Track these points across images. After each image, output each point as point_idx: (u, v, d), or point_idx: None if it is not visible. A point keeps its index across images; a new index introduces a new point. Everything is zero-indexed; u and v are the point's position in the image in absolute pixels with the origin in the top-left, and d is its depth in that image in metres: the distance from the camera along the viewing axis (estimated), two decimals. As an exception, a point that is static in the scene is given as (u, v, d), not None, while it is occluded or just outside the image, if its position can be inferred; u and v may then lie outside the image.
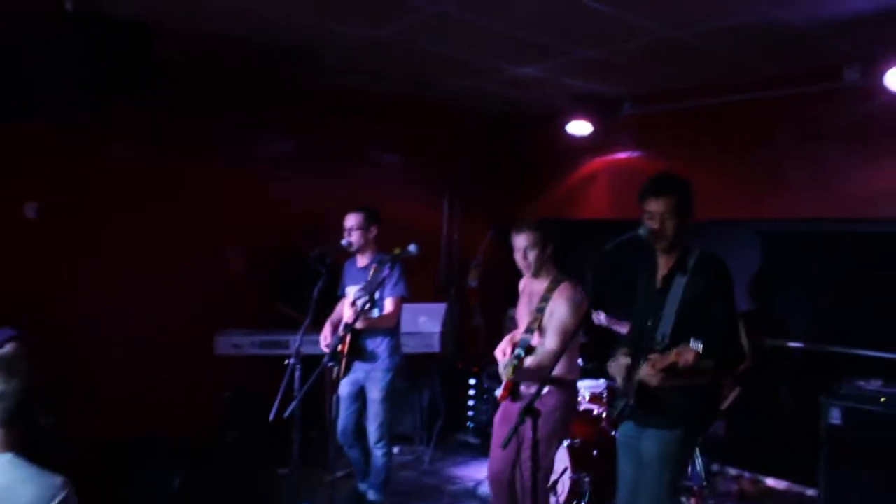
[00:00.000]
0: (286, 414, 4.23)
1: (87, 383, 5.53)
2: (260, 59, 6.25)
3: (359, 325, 4.90)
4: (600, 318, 5.90)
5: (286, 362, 4.71)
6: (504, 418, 4.39)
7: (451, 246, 8.21)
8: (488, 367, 6.87)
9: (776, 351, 6.14)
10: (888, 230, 5.77)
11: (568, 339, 4.05)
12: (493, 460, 4.41)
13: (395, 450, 6.66)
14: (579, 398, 5.76)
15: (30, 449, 2.33)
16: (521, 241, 4.29)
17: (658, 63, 5.97)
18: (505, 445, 3.37)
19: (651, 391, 3.39)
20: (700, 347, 3.03)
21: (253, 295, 6.68)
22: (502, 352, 4.29)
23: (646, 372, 3.30)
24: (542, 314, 4.21)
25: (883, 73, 5.29)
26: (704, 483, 5.36)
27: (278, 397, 4.41)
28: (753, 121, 6.42)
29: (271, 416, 4.36)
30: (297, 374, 4.79)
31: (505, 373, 4.05)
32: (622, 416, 3.62)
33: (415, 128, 7.75)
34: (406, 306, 6.21)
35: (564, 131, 7.22)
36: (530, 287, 4.45)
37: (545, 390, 4.13)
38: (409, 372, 6.48)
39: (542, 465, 4.05)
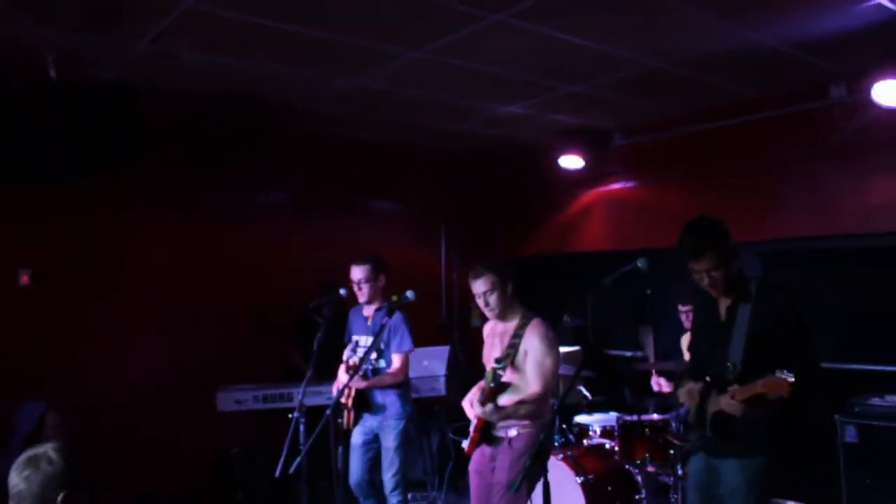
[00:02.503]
0: (291, 469, 4.16)
1: (89, 448, 5.47)
2: (245, 115, 6.31)
3: (360, 384, 4.89)
4: (660, 382, 5.76)
5: (290, 416, 4.66)
6: (478, 467, 4.28)
7: (451, 287, 8.19)
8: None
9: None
10: (886, 244, 5.74)
11: (551, 382, 4.06)
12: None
13: (409, 495, 6.57)
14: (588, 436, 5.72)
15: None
16: (478, 286, 4.19)
17: (645, 93, 6.01)
18: (516, 489, 3.30)
19: (727, 421, 3.33)
20: (791, 378, 2.98)
21: (255, 350, 6.62)
22: (470, 402, 4.19)
23: (727, 403, 3.24)
24: (515, 350, 4.10)
25: (869, 87, 5.30)
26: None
27: (284, 452, 4.34)
28: (745, 144, 6.42)
29: (278, 472, 4.28)
30: (301, 427, 4.74)
31: (479, 409, 3.98)
32: (696, 447, 3.58)
33: (407, 172, 7.79)
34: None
35: (557, 166, 7.23)
36: (498, 328, 4.34)
37: (514, 433, 4.08)
38: (418, 416, 6.42)
39: None
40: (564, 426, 5.96)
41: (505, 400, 4.05)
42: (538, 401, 4.06)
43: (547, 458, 3.59)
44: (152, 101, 5.29)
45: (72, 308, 5.87)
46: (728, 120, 6.41)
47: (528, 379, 4.08)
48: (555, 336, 4.17)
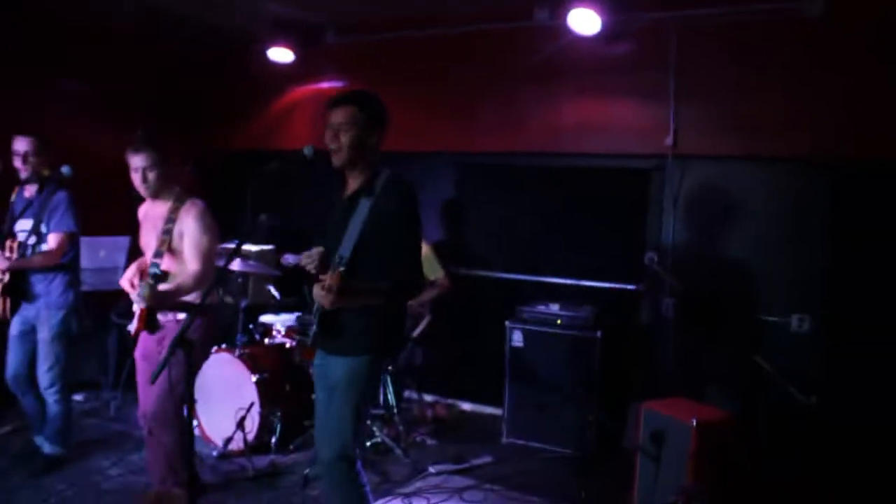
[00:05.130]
0: None
1: None
2: None
3: (4, 265, 4.44)
4: (287, 259, 5.73)
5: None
6: (145, 353, 4.12)
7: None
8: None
9: (469, 279, 6.36)
10: (569, 164, 6.12)
11: (210, 259, 3.93)
12: (142, 398, 4.12)
13: (80, 397, 6.16)
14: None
15: None
16: (137, 161, 3.98)
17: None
18: (154, 380, 3.08)
19: (332, 316, 3.28)
20: (341, 269, 3.00)
21: None
22: (129, 281, 3.91)
23: (317, 293, 3.12)
24: (171, 236, 3.95)
25: (567, 14, 5.51)
26: (395, 410, 5.44)
27: None
28: (452, 55, 6.48)
29: None
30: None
31: (140, 300, 3.70)
32: (314, 343, 3.46)
33: (103, 54, 7.02)
34: (85, 240, 5.67)
35: (266, 59, 6.88)
36: (152, 211, 4.15)
37: (178, 318, 3.93)
38: (93, 311, 5.97)
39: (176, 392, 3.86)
40: (251, 326, 5.83)
41: (165, 287, 3.83)
42: (198, 281, 3.88)
43: (196, 347, 3.49)
44: None
45: None
46: (439, 29, 6.42)
47: (186, 259, 3.94)
48: (212, 218, 4.05)
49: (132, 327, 3.84)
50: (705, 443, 3.94)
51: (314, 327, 3.37)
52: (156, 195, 4.05)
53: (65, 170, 4.13)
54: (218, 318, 4.41)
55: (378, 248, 3.24)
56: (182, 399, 3.96)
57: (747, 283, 5.41)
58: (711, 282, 5.54)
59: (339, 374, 3.34)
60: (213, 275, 3.98)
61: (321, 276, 3.16)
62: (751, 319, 5.37)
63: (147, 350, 4.08)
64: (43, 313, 4.67)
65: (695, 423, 3.92)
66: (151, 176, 3.97)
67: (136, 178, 4.00)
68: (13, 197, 4.86)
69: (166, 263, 3.90)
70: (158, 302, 3.75)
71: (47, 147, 4.67)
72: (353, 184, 3.40)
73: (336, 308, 3.18)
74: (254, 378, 5.06)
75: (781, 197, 5.34)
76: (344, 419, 3.30)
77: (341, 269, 3.14)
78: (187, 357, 3.11)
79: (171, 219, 3.95)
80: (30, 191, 4.72)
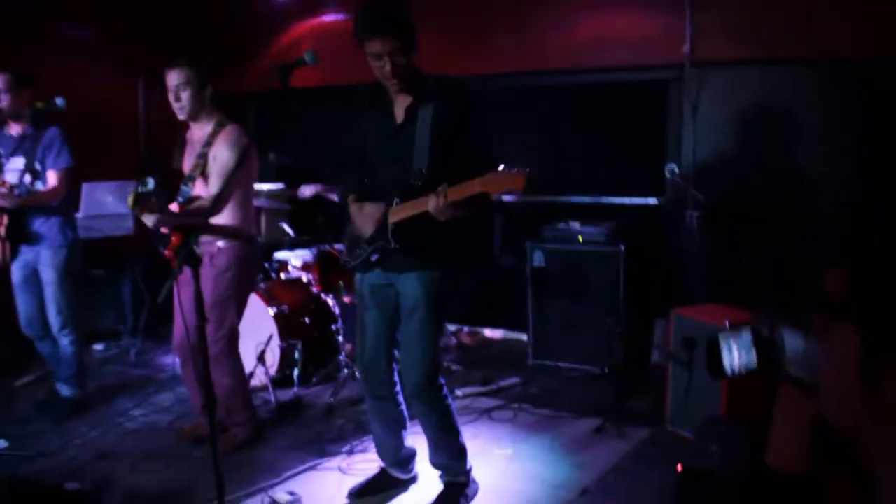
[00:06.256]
0: None
1: None
2: None
3: (8, 203, 4.28)
4: (304, 192, 5.56)
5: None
6: (184, 278, 3.98)
7: (151, 125, 7.45)
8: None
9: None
10: (584, 80, 5.91)
11: (232, 182, 3.67)
12: (176, 327, 4.01)
13: (99, 346, 6.10)
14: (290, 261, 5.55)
15: None
16: (172, 79, 3.78)
17: None
18: (161, 299, 2.96)
19: (410, 232, 3.11)
20: (527, 169, 2.73)
21: None
22: None
23: (435, 206, 2.90)
24: (205, 160, 3.78)
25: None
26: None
27: None
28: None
29: None
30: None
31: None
32: (369, 264, 3.30)
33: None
34: (92, 185, 5.59)
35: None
36: (194, 135, 3.99)
37: (218, 246, 3.78)
38: (104, 259, 5.91)
39: (222, 327, 3.74)
40: (266, 264, 5.73)
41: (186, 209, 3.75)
42: (218, 202, 3.64)
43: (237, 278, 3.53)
44: None
45: None
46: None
47: (211, 182, 3.77)
48: (249, 143, 3.82)
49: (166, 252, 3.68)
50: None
51: (386, 245, 3.17)
52: (193, 117, 3.90)
53: (59, 101, 3.97)
54: (258, 249, 4.23)
55: (452, 154, 3.08)
56: (231, 334, 3.92)
57: (771, 190, 5.21)
58: (736, 192, 5.33)
59: (418, 291, 3.18)
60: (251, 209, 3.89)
61: (440, 188, 2.93)
62: (776, 227, 5.18)
63: (186, 276, 3.94)
64: (44, 255, 4.55)
65: (728, 326, 3.78)
66: (185, 95, 3.80)
67: (171, 98, 3.83)
68: None
69: (198, 188, 3.78)
70: (173, 220, 3.61)
71: (25, 83, 4.44)
72: (405, 102, 3.18)
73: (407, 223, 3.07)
74: (272, 311, 4.97)
75: (805, 101, 5.10)
76: (430, 340, 3.20)
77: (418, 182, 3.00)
78: (195, 275, 2.97)
79: (208, 142, 3.82)
80: (16, 129, 4.54)
